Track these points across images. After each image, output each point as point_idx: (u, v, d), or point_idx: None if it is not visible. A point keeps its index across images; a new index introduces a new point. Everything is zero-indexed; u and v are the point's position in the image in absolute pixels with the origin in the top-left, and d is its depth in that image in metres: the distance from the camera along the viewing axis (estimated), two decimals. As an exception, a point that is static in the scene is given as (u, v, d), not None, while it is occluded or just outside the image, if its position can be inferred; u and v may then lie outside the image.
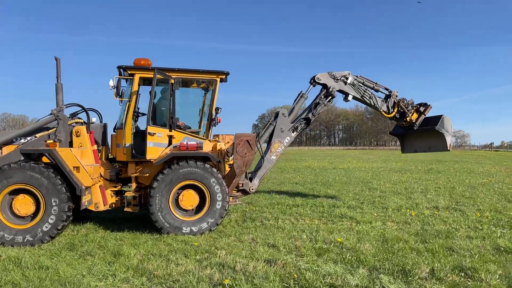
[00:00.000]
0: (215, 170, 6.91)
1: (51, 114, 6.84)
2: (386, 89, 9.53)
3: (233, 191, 8.18)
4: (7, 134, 6.82)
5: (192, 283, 4.35)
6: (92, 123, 7.35)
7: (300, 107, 9.08)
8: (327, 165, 26.50)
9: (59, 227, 6.19)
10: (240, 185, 8.13)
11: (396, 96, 9.44)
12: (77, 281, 4.43)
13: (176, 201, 6.83)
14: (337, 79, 9.03)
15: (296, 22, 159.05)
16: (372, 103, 9.39)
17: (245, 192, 8.25)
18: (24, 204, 6.20)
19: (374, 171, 21.03)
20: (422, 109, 9.62)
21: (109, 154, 7.65)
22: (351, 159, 35.36)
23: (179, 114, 8.01)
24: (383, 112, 9.57)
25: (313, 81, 9.00)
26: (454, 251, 5.60)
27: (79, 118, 7.52)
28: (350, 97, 9.21)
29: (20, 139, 6.87)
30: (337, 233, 6.71)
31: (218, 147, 7.70)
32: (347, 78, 9.08)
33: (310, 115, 8.93)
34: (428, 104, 9.64)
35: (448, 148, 9.30)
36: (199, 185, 6.83)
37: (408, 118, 9.54)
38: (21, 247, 5.97)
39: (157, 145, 6.90)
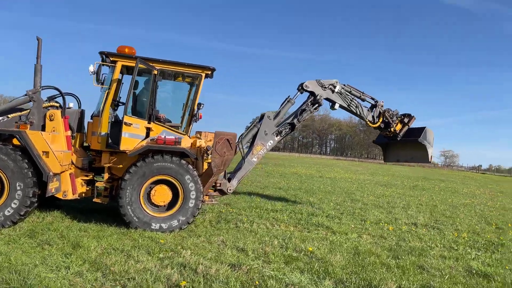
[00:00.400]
0: (190, 167, 6.70)
1: (26, 95, 6.60)
2: (373, 98, 9.55)
3: (210, 191, 7.99)
4: (-22, 112, 6.55)
5: (147, 282, 4.14)
6: (69, 108, 7.12)
7: (286, 112, 8.97)
8: (315, 173, 26.39)
9: (22, 213, 5.94)
10: (218, 184, 7.94)
11: (382, 106, 9.49)
12: (27, 270, 4.20)
13: (148, 195, 6.62)
14: (325, 87, 8.99)
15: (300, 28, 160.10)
16: (358, 112, 9.37)
17: (222, 192, 8.06)
18: (-13, 186, 5.94)
19: (360, 183, 20.97)
20: (406, 120, 9.69)
21: (84, 142, 7.40)
22: (339, 169, 35.33)
23: (162, 107, 7.83)
24: (368, 122, 9.57)
25: (301, 88, 8.95)
26: (424, 270, 5.46)
27: (56, 102, 7.27)
28: (336, 106, 9.18)
29: (-7, 119, 6.60)
30: (310, 241, 6.54)
31: (197, 144, 7.51)
32: (334, 87, 9.06)
33: (295, 120, 8.84)
34: (412, 115, 9.74)
35: (429, 160, 9.43)
36: (173, 181, 6.62)
37: (392, 129, 9.60)
38: (-21, 230, 5.71)
39: (133, 136, 6.69)
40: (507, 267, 5.90)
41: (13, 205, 5.89)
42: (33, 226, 6.15)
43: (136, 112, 7.03)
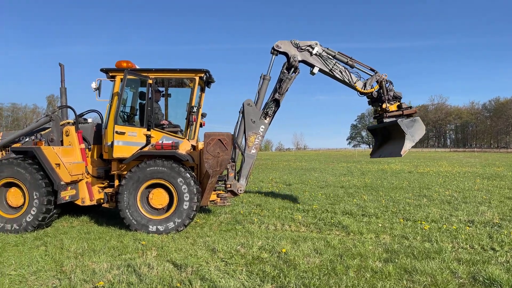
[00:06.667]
0: (182, 169, 6.79)
1: (46, 115, 7.56)
2: (372, 69, 8.27)
3: (221, 192, 7.99)
4: (13, 133, 7.73)
5: (80, 281, 4.33)
6: (86, 123, 7.89)
7: (265, 91, 8.26)
8: (407, 168, 24.09)
9: (40, 218, 6.76)
10: (228, 186, 7.87)
11: (385, 77, 8.13)
12: (-3, 268, 4.78)
13: (147, 199, 6.92)
14: (301, 49, 8.15)
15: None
16: (345, 79, 8.20)
17: (234, 193, 7.96)
18: (15, 196, 6.94)
19: (455, 176, 18.39)
20: (404, 106, 8.12)
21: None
22: (446, 162, 31.56)
23: (173, 113, 8.18)
24: (358, 88, 8.25)
25: (273, 50, 8.22)
26: (408, 274, 4.53)
27: (84, 119, 8.16)
28: (315, 69, 8.21)
29: (26, 138, 7.71)
30: (302, 242, 5.99)
31: (200, 147, 7.59)
32: (313, 48, 8.14)
33: (277, 95, 8.17)
34: (414, 108, 8.09)
35: (401, 153, 7.71)
36: (167, 184, 6.81)
37: (384, 104, 8.12)
38: (7, 234, 6.68)
39: (129, 144, 7.07)
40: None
41: (32, 212, 6.77)
42: (53, 230, 6.95)
43: (136, 121, 7.46)
